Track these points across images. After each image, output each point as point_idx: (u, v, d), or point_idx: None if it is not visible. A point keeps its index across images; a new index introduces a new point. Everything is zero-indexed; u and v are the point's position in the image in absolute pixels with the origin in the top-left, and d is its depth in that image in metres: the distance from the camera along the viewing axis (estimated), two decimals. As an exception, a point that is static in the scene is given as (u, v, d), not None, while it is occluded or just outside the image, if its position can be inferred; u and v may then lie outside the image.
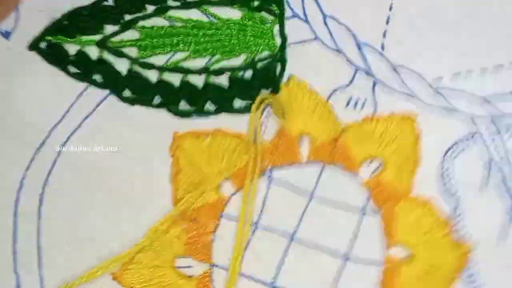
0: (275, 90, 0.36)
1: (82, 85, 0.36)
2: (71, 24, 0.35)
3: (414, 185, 0.36)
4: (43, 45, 0.35)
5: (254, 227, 0.36)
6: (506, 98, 0.36)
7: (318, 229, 0.36)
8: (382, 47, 0.36)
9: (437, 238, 0.36)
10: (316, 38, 0.36)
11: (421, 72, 0.36)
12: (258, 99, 0.35)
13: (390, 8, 0.37)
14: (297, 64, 0.36)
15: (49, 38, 0.35)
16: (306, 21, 0.36)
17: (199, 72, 0.36)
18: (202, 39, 0.36)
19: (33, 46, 0.35)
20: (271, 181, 0.36)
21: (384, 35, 0.36)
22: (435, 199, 0.36)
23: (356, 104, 0.36)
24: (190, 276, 0.35)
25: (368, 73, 0.36)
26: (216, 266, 0.35)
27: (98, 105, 0.36)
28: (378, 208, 0.36)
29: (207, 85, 0.36)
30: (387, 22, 0.36)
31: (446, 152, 0.36)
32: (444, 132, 0.36)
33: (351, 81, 0.36)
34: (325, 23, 0.36)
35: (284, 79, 0.36)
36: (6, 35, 0.36)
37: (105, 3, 0.36)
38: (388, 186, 0.36)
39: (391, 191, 0.36)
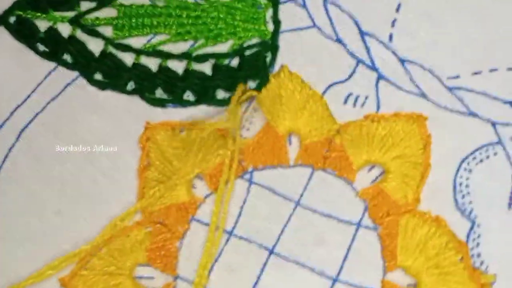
0: (264, 81, 0.32)
1: (50, 65, 0.33)
2: (45, -2, 0.33)
3: (421, 199, 0.31)
4: (12, 19, 0.33)
5: (228, 235, 0.31)
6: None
7: (303, 243, 0.31)
8: (390, 38, 0.33)
9: (448, 264, 0.31)
10: (314, 25, 0.33)
11: (434, 68, 0.32)
12: (239, 89, 0.31)
13: (402, -6, 0.33)
14: (290, 54, 0.33)
15: (19, 12, 0.33)
16: (304, 6, 0.33)
17: (179, 57, 0.33)
18: (185, 21, 0.33)
19: (1, 20, 0.33)
20: (251, 184, 0.31)
21: (392, 24, 0.33)
22: (446, 217, 0.31)
23: (355, 101, 0.32)
24: (150, 289, 0.31)
25: (372, 67, 0.33)
26: (180, 278, 0.31)
27: (65, 88, 0.33)
28: (376, 222, 0.31)
29: (187, 72, 0.33)
30: (397, 10, 0.33)
31: (461, 162, 0.32)
32: (459, 139, 0.32)
33: (351, 75, 0.33)
34: (325, 9, 0.33)
35: (276, 69, 0.33)
36: (-27, 6, 0.34)
37: (84, -24, 0.33)
38: (390, 197, 0.31)
39: (392, 203, 0.31)
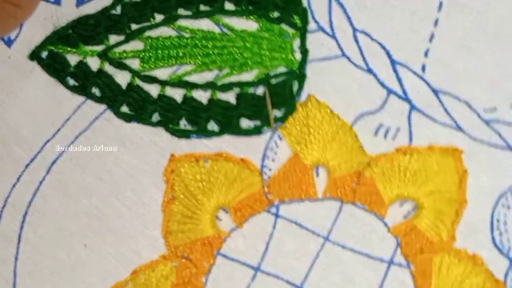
0: (291, 109, 0.31)
1: (79, 99, 0.33)
2: (75, 33, 0.33)
3: (457, 236, 0.30)
4: (44, 54, 0.33)
5: (254, 271, 0.30)
6: None
7: (332, 281, 0.30)
8: (423, 69, 0.31)
9: (485, 306, 0.29)
10: (343, 54, 0.32)
11: (469, 100, 0.31)
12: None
13: (436, 23, 0.31)
14: (318, 83, 0.32)
15: (50, 47, 0.33)
16: (333, 35, 0.32)
17: (204, 87, 0.32)
18: (211, 51, 0.32)
19: (34, 55, 0.33)
20: (277, 218, 0.31)
21: (426, 54, 0.32)
22: (483, 255, 0.30)
23: (387, 132, 0.31)
24: (175, 327, 0.30)
25: (404, 97, 0.31)
26: (207, 316, 0.30)
27: (93, 121, 0.33)
28: (409, 260, 0.30)
29: (212, 101, 0.32)
30: (431, 40, 0.32)
31: (499, 198, 0.30)
32: (496, 174, 0.31)
33: (382, 106, 0.31)
34: (355, 39, 0.32)
35: (303, 99, 0.32)
36: (8, 42, 0.34)
37: (113, 11, 0.33)
38: (423, 234, 0.30)
39: (426, 240, 0.30)
